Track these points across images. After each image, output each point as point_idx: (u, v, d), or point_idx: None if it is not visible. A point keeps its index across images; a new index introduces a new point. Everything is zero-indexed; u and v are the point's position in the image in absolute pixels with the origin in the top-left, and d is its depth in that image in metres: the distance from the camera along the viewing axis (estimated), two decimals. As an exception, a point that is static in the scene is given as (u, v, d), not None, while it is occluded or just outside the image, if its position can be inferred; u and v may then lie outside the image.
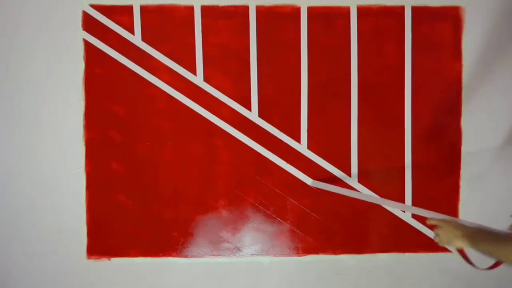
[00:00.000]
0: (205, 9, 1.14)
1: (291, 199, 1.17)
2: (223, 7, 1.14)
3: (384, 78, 1.17)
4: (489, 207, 1.18)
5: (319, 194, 1.16)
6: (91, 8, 1.14)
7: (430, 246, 1.17)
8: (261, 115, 1.16)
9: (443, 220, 0.85)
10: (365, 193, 1.15)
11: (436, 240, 0.84)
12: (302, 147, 1.17)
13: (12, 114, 1.14)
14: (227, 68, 1.15)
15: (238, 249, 1.18)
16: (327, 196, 1.16)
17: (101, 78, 1.14)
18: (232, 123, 1.16)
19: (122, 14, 1.14)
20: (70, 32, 1.14)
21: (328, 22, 1.16)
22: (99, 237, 1.16)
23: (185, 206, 1.16)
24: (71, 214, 1.15)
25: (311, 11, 1.15)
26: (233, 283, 1.18)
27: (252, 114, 1.16)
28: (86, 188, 1.15)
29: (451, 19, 1.16)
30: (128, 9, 1.14)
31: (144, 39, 1.14)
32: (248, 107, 1.16)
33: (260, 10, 1.15)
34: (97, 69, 1.14)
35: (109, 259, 1.16)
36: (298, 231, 1.18)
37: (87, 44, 1.14)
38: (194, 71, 1.15)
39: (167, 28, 1.14)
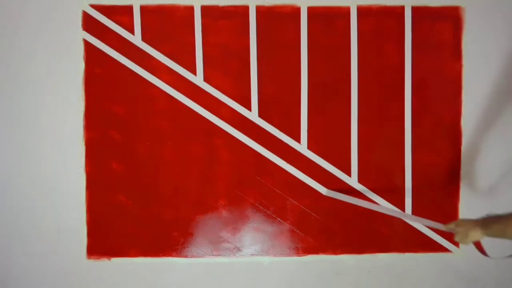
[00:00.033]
0: (205, 9, 1.14)
1: (291, 199, 1.17)
2: (223, 7, 1.14)
3: (384, 78, 1.17)
4: (489, 207, 1.18)
5: (319, 194, 1.16)
6: (91, 8, 1.14)
7: (430, 246, 1.17)
8: (261, 115, 1.16)
9: (457, 221, 0.94)
10: (383, 206, 1.14)
11: (456, 239, 0.91)
12: (302, 147, 1.17)
13: (12, 114, 1.14)
14: (227, 68, 1.15)
15: (238, 249, 1.18)
16: (327, 197, 1.16)
17: (101, 78, 1.14)
18: (232, 123, 1.16)
19: (122, 14, 1.14)
20: (70, 32, 1.13)
21: (328, 22, 1.16)
22: (99, 237, 1.16)
23: (185, 206, 1.16)
24: (71, 214, 1.15)
25: (311, 11, 1.15)
26: (233, 283, 1.18)
27: (252, 114, 1.16)
28: (86, 188, 1.15)
29: (451, 19, 1.16)
30: (128, 9, 1.14)
31: (144, 39, 1.14)
32: (248, 107, 1.16)
33: (260, 10, 1.15)
34: (97, 69, 1.14)
35: (109, 259, 1.16)
36: (298, 231, 1.18)
37: (87, 44, 1.14)
38: (194, 71, 1.15)
39: (167, 28, 1.14)
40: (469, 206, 1.18)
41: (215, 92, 1.15)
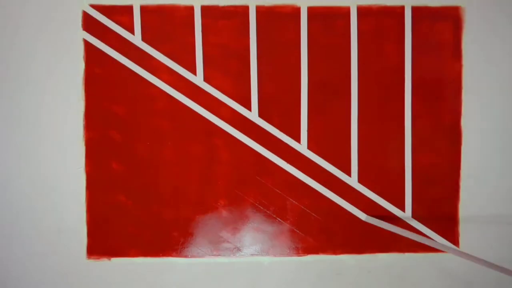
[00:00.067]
0: (205, 9, 1.14)
1: (291, 199, 1.17)
2: (223, 7, 1.14)
3: (384, 78, 1.17)
4: (489, 207, 1.18)
5: (319, 194, 1.16)
6: (91, 8, 1.14)
7: (430, 246, 1.17)
8: (261, 115, 1.16)
9: None
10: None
11: None
12: (302, 147, 1.17)
13: (12, 114, 1.14)
14: (227, 68, 1.15)
15: (238, 249, 1.18)
16: (327, 196, 1.16)
17: (101, 78, 1.14)
18: (232, 123, 1.16)
19: (122, 14, 1.14)
20: (70, 32, 1.14)
21: (328, 22, 1.16)
22: (99, 237, 1.16)
23: (185, 206, 1.16)
24: (71, 214, 1.15)
25: (311, 11, 1.15)
26: (233, 283, 1.18)
27: (252, 114, 1.16)
28: (86, 188, 1.15)
29: (451, 19, 1.16)
30: (128, 9, 1.14)
31: (144, 39, 1.14)
32: (248, 107, 1.16)
33: (260, 10, 1.15)
34: (97, 69, 1.14)
35: (109, 259, 1.16)
36: (298, 231, 1.18)
37: (87, 44, 1.14)
38: (194, 71, 1.15)
39: (167, 28, 1.14)
40: (469, 206, 1.18)
41: (215, 92, 1.15)
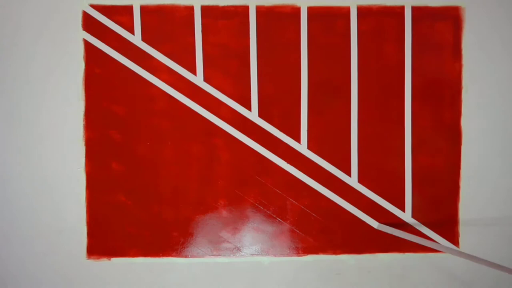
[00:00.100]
0: (205, 9, 1.14)
1: (291, 199, 1.17)
2: (223, 7, 1.14)
3: (384, 78, 1.17)
4: (489, 207, 1.18)
5: (319, 194, 1.16)
6: (91, 8, 1.14)
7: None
8: (261, 115, 1.16)
9: None
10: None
11: None
12: (302, 147, 1.17)
13: (12, 114, 1.14)
14: (227, 68, 1.15)
15: (238, 249, 1.18)
16: (327, 196, 1.16)
17: (101, 78, 1.14)
18: (232, 123, 1.16)
19: (122, 14, 1.14)
20: (70, 32, 1.14)
21: (328, 22, 1.16)
22: (99, 237, 1.16)
23: (185, 206, 1.16)
24: (71, 214, 1.15)
25: (311, 11, 1.15)
26: (233, 283, 1.18)
27: (252, 114, 1.16)
28: (86, 188, 1.15)
29: (451, 19, 1.16)
30: (128, 9, 1.14)
31: (144, 39, 1.14)
32: (248, 107, 1.16)
33: (260, 10, 1.15)
34: (97, 69, 1.14)
35: (109, 259, 1.16)
36: (298, 231, 1.18)
37: (87, 44, 1.14)
38: (194, 71, 1.15)
39: (167, 28, 1.14)
40: (469, 206, 1.18)
41: (215, 92, 1.15)
